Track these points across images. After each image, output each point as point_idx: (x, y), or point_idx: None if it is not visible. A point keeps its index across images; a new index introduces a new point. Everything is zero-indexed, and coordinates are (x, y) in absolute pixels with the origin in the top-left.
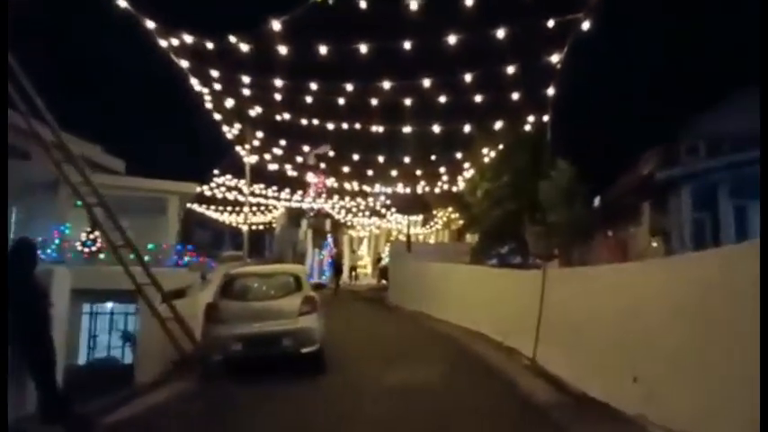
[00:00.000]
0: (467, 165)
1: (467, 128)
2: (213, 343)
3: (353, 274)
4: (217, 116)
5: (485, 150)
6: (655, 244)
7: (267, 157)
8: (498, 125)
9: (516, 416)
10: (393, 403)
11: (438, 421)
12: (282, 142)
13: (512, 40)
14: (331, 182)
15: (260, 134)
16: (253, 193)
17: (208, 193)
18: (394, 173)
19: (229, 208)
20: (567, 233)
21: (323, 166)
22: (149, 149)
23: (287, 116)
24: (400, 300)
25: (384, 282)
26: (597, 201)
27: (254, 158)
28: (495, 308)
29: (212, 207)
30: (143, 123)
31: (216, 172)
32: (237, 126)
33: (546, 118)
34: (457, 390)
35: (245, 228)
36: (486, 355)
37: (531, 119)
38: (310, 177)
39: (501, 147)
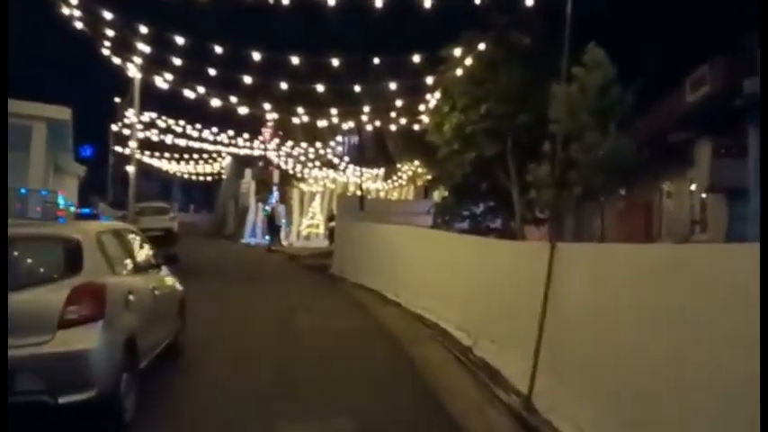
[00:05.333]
0: (432, 81)
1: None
2: None
3: (299, 234)
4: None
5: (457, 53)
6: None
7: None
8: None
9: None
10: None
11: None
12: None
13: None
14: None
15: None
16: (171, 130)
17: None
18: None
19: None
20: (601, 176)
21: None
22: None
23: None
24: (346, 269)
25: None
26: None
27: (138, 76)
28: (466, 294)
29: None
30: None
31: (117, 100)
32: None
33: None
34: None
35: (131, 169)
36: (442, 380)
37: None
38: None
39: (482, 48)
